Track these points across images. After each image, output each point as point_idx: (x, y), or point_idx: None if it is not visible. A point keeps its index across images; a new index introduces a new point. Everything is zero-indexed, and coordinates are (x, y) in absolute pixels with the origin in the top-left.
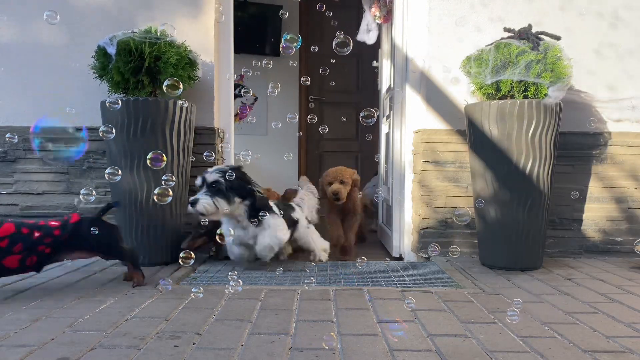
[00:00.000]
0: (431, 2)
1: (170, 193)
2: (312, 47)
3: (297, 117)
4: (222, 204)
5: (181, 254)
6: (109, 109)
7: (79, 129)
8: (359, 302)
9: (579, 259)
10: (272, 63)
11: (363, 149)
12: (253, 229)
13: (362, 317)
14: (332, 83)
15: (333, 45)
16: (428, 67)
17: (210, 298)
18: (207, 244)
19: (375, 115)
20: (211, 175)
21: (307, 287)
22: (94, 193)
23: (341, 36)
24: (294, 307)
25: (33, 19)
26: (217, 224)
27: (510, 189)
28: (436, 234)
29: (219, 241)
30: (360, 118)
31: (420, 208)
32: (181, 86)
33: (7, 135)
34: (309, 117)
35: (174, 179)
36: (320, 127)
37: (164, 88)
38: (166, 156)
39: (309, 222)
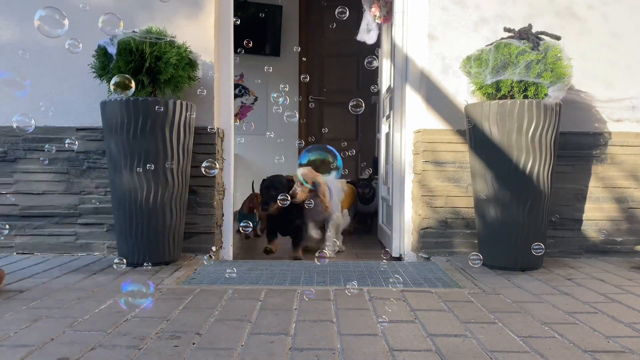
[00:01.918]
0: (431, 2)
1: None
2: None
3: (297, 115)
4: None
5: None
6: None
7: (79, 129)
8: (359, 302)
9: (579, 259)
10: (272, 68)
11: (363, 149)
12: None
13: (362, 317)
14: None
15: (349, 107)
16: (428, 67)
17: (210, 298)
18: None
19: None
20: None
21: (308, 287)
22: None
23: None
24: (294, 307)
25: (33, 19)
26: None
27: (510, 189)
28: (436, 234)
29: None
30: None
31: (420, 208)
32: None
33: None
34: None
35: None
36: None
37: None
38: (166, 156)
39: None
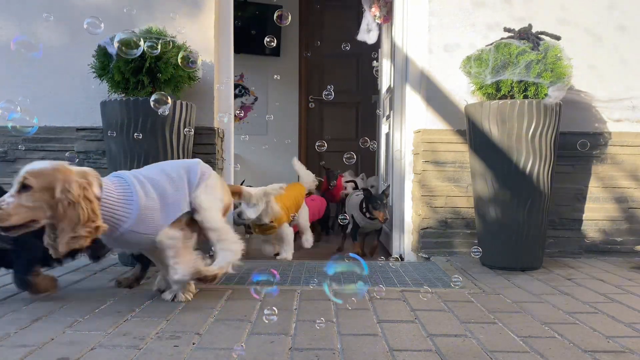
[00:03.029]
0: (431, 2)
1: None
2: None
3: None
4: None
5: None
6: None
7: (79, 129)
8: (359, 302)
9: (579, 259)
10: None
11: (363, 149)
12: None
13: (362, 317)
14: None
15: (344, 158)
16: (428, 67)
17: (210, 298)
18: None
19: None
20: None
21: (307, 287)
22: None
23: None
24: (294, 307)
25: (33, 19)
26: None
27: (510, 189)
28: (436, 234)
29: None
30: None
31: (420, 208)
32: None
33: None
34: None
35: None
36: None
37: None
38: (166, 156)
39: None
